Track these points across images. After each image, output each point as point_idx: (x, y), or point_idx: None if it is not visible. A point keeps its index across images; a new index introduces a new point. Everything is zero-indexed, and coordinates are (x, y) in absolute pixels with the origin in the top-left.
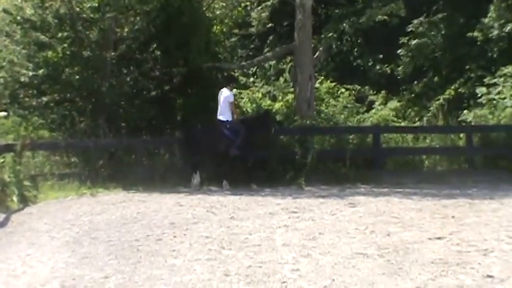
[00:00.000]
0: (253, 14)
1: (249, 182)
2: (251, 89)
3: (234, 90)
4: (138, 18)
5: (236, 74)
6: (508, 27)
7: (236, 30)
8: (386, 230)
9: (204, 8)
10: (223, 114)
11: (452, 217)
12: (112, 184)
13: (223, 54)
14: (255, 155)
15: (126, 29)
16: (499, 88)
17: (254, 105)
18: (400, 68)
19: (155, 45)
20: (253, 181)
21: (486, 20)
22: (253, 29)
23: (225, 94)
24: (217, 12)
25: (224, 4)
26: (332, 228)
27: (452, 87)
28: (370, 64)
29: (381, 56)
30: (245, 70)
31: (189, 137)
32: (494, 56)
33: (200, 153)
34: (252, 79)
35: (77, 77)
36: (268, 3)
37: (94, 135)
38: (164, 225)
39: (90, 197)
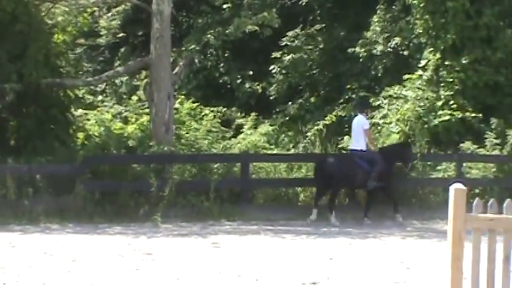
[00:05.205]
0: (102, 22)
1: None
2: (99, 109)
3: (80, 110)
4: None
5: (81, 92)
6: (394, 42)
7: (82, 40)
8: (255, 274)
9: (43, 14)
10: (357, 142)
11: (330, 259)
12: None
13: (65, 68)
14: (103, 185)
15: None
16: (384, 111)
17: (102, 128)
18: (272, 87)
19: None
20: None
21: (369, 34)
22: (102, 39)
23: (359, 121)
24: (59, 19)
25: (67, 9)
26: (192, 273)
27: (334, 113)
28: (238, 82)
29: (251, 72)
30: (92, 87)
31: (320, 168)
32: (379, 74)
33: (334, 187)
34: (100, 97)
35: None
36: (120, 9)
37: None
38: None
39: None
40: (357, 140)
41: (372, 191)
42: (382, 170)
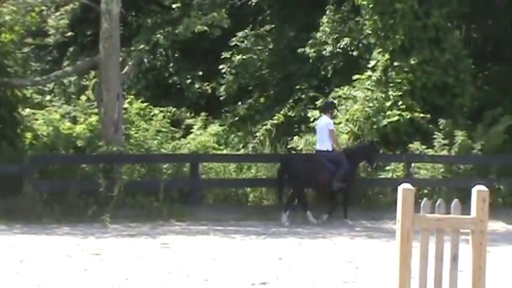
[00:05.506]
0: (51, 21)
1: (345, 217)
2: (47, 109)
3: (27, 110)
4: None
5: (29, 91)
6: (343, 43)
7: (30, 40)
8: (204, 274)
9: None
10: (323, 143)
11: (280, 259)
12: None
13: (13, 67)
14: (51, 185)
15: None
16: (334, 112)
17: (51, 128)
18: (222, 88)
19: None
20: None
21: (318, 34)
22: (50, 39)
23: (324, 121)
24: (7, 18)
25: (14, 8)
26: (141, 273)
27: (282, 112)
28: (188, 82)
29: (201, 72)
30: (40, 87)
31: (285, 167)
32: (328, 75)
33: (298, 186)
34: (48, 97)
35: None
36: (68, 8)
37: None
38: None
39: None
40: (322, 141)
41: (335, 192)
42: (347, 170)
